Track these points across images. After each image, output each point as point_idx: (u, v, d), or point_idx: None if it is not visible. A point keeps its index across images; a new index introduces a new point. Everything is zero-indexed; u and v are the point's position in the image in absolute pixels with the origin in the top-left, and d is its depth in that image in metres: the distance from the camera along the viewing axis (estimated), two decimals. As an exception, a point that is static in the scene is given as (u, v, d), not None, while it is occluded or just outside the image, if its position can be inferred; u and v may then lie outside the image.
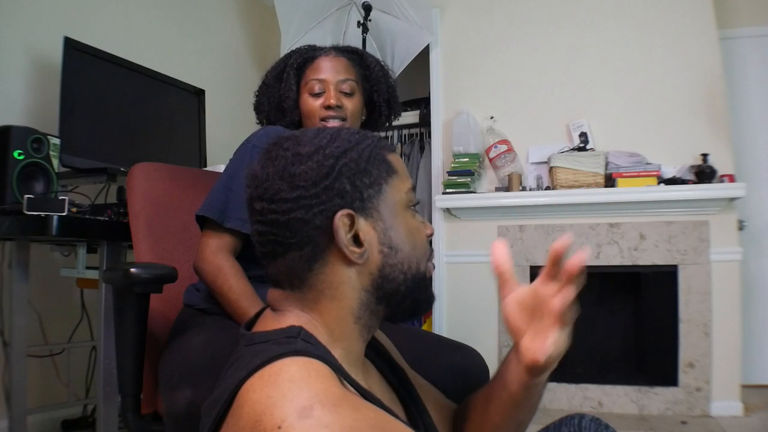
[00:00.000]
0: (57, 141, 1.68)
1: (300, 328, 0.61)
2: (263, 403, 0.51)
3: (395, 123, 1.45)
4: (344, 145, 0.64)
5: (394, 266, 0.65)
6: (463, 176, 2.80)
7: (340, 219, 0.61)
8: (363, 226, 0.63)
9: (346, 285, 0.64)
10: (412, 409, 0.76)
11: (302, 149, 0.64)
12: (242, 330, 0.67)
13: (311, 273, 0.63)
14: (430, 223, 3.06)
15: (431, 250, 0.73)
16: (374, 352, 0.78)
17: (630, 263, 2.62)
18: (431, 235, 0.72)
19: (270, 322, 0.65)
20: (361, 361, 0.69)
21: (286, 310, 0.65)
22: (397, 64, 2.93)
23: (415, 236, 0.68)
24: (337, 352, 0.63)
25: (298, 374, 0.53)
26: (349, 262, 0.63)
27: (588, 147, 2.67)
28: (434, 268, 0.73)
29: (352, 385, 0.59)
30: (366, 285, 0.64)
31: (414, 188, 0.69)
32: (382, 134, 3.64)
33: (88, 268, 1.68)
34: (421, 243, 0.68)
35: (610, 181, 2.61)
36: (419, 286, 0.67)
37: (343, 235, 0.61)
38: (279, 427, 0.48)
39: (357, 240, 0.63)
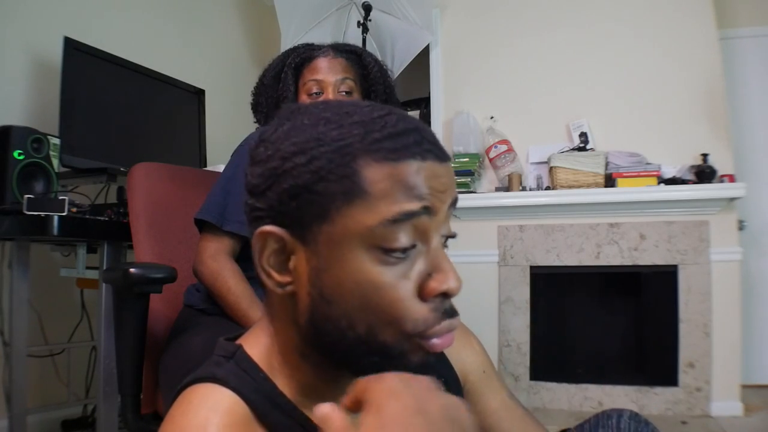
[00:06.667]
0: (57, 141, 1.68)
1: (238, 348, 0.54)
2: (161, 429, 0.49)
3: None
4: (302, 143, 0.49)
5: (328, 319, 0.49)
6: (463, 176, 2.79)
7: (259, 236, 0.50)
8: (298, 252, 0.50)
9: (285, 312, 0.53)
10: None
11: (274, 136, 0.52)
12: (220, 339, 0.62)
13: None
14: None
15: (440, 318, 0.49)
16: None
17: (630, 263, 2.62)
18: (444, 292, 0.49)
19: (246, 334, 0.59)
20: (335, 394, 0.53)
21: (261, 320, 0.57)
22: (397, 64, 2.92)
23: (374, 294, 0.47)
24: (288, 381, 0.54)
25: (189, 407, 0.49)
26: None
27: (588, 147, 2.67)
28: (444, 339, 0.50)
29: (289, 417, 0.52)
30: (300, 324, 0.52)
31: (424, 210, 0.48)
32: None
33: (88, 268, 1.69)
34: (386, 305, 0.47)
35: (610, 181, 2.61)
36: (370, 355, 0.49)
37: (263, 254, 0.51)
38: None
39: (287, 266, 0.51)
